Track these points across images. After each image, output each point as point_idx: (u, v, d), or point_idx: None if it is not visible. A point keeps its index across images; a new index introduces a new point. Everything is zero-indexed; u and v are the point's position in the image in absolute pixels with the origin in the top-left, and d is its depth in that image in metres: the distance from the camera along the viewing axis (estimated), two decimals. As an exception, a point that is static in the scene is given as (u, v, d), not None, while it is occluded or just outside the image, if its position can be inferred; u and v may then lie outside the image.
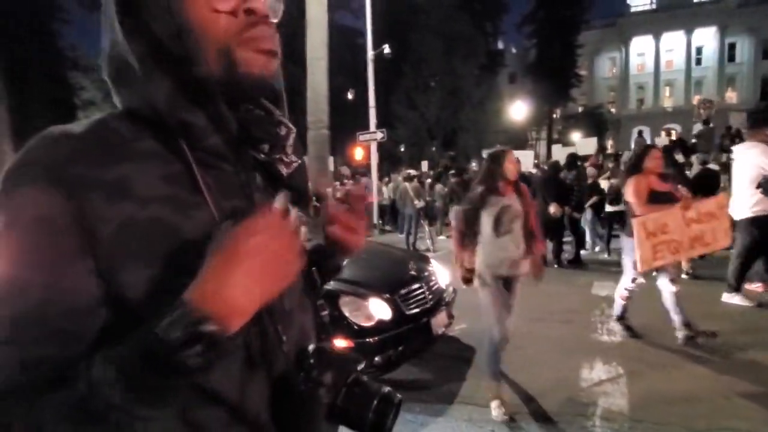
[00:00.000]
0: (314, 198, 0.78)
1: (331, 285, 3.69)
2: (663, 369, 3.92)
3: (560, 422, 3.17)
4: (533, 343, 4.39)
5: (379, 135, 14.74)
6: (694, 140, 13.31)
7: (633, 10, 47.48)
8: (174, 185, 0.64)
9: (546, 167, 10.83)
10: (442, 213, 12.55)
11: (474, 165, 14.95)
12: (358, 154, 17.97)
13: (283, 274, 0.59)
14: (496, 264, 3.28)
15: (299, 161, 0.78)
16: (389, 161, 24.11)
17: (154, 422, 0.57)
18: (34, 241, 0.58)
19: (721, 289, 5.46)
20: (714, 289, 5.53)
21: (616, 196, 8.56)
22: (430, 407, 3.45)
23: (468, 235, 3.37)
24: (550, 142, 33.47)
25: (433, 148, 29.53)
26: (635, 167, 4.25)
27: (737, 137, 11.88)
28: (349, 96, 22.81)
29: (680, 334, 4.29)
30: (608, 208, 8.65)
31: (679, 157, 7.57)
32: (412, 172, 13.54)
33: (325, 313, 0.83)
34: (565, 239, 8.42)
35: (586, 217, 8.94)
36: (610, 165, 10.82)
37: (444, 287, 4.17)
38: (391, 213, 14.69)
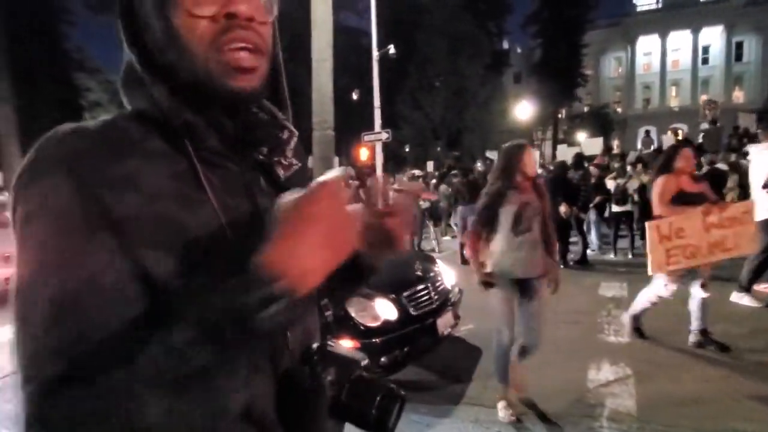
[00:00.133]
0: (357, 184, 0.75)
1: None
2: (671, 370, 3.89)
3: (567, 423, 3.15)
4: (543, 344, 4.36)
5: (384, 135, 14.75)
6: (700, 140, 13.24)
7: (639, 9, 47.28)
8: (180, 183, 0.65)
9: (552, 167, 10.78)
10: (446, 213, 12.51)
11: (479, 165, 14.87)
12: (363, 154, 17.98)
13: (344, 243, 0.60)
14: (512, 265, 3.12)
15: (299, 164, 0.78)
16: (394, 161, 24.08)
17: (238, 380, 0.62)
18: (61, 226, 0.59)
19: (730, 289, 5.42)
20: (722, 290, 5.48)
21: (622, 196, 8.53)
22: (436, 408, 3.43)
23: (485, 236, 3.18)
24: (556, 142, 33.35)
25: (438, 149, 29.50)
26: (665, 167, 4.11)
27: (745, 137, 11.82)
28: (354, 96, 22.84)
29: (693, 338, 4.25)
30: (615, 208, 8.62)
31: None
32: (416, 172, 13.53)
33: (329, 313, 0.83)
34: (570, 239, 8.39)
35: (590, 218, 8.91)
36: (616, 165, 10.77)
37: (450, 288, 4.16)
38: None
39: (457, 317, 4.13)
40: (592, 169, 9.34)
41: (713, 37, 44.29)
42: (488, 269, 3.18)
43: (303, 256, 0.56)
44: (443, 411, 3.41)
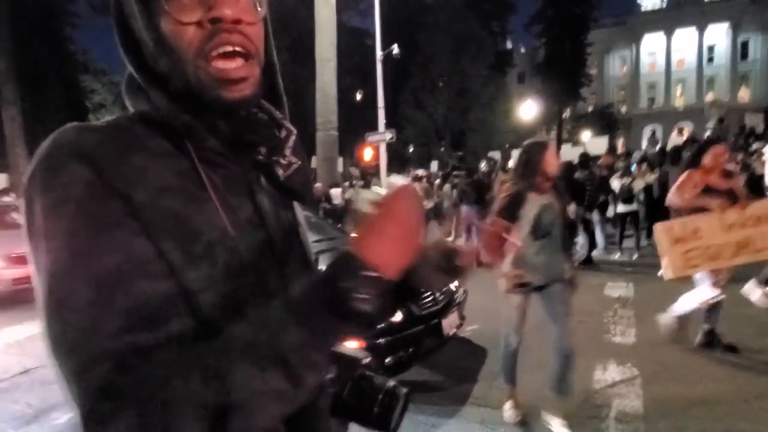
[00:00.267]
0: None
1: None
2: (678, 371, 3.87)
3: (574, 424, 3.12)
4: (546, 344, 4.34)
5: (388, 135, 14.73)
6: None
7: (643, 8, 47.13)
8: (184, 180, 0.66)
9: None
10: (450, 214, 12.50)
11: (483, 165, 14.84)
12: (367, 154, 17.97)
13: (414, 244, 0.64)
14: (531, 270, 2.96)
15: (299, 163, 0.78)
16: (397, 162, 24.09)
17: (323, 370, 0.61)
18: (87, 213, 0.59)
19: (736, 289, 5.37)
20: (732, 291, 5.44)
21: (628, 195, 8.49)
22: (442, 409, 3.42)
23: (506, 239, 2.95)
24: (560, 141, 33.26)
25: (442, 149, 29.49)
26: (692, 162, 4.00)
27: (751, 136, 11.75)
28: (358, 97, 22.85)
29: (700, 338, 4.22)
30: (620, 207, 8.58)
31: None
32: (420, 172, 13.51)
33: None
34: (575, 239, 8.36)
35: (593, 218, 8.88)
36: (620, 164, 10.74)
37: (455, 288, 4.15)
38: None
39: (462, 318, 4.12)
40: (601, 169, 9.30)
41: (718, 35, 44.10)
42: (515, 270, 2.98)
43: (386, 250, 0.60)
44: (449, 411, 3.40)
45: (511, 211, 2.96)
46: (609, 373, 3.88)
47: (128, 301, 0.57)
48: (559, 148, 28.16)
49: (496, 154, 17.71)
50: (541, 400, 3.30)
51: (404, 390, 0.72)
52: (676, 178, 6.79)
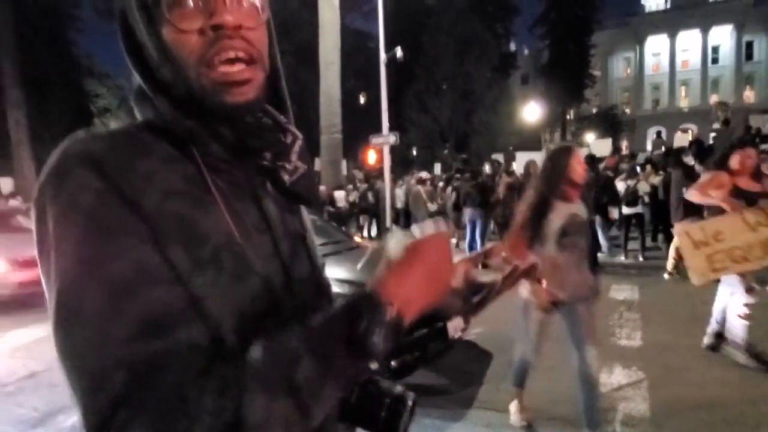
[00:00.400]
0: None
1: (345, 288, 3.65)
2: (685, 374, 3.84)
3: (580, 428, 3.11)
4: (551, 347, 4.32)
5: (392, 138, 14.71)
6: (711, 141, 13.11)
7: (647, 9, 47.03)
8: (190, 185, 0.66)
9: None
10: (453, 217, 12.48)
11: (487, 168, 14.82)
12: (371, 157, 17.98)
13: (442, 288, 0.69)
14: (557, 286, 2.74)
15: (305, 168, 0.79)
16: (401, 164, 24.10)
17: (331, 403, 0.61)
18: (98, 221, 0.59)
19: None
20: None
21: (632, 197, 8.46)
22: (448, 412, 3.41)
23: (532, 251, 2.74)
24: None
25: (446, 151, 29.48)
26: (718, 164, 3.95)
27: (757, 137, 11.69)
28: (362, 100, 22.88)
29: (708, 339, 4.21)
30: (625, 210, 8.54)
31: (689, 160, 7.38)
32: (424, 175, 13.50)
33: None
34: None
35: (596, 220, 8.84)
36: (625, 166, 10.70)
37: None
38: (404, 216, 14.66)
39: (468, 321, 4.10)
40: (605, 170, 9.27)
41: (723, 36, 43.94)
42: (550, 289, 2.76)
43: (409, 291, 0.63)
44: (455, 415, 3.39)
45: (536, 221, 2.75)
46: (615, 377, 3.86)
47: (138, 310, 0.57)
48: (563, 150, 28.11)
49: (499, 157, 17.66)
50: (552, 403, 3.29)
51: (412, 395, 0.72)
52: (678, 180, 6.79)
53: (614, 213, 7.69)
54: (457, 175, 12.85)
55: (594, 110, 42.25)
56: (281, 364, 0.56)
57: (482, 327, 4.63)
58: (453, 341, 3.90)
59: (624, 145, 37.10)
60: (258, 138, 0.72)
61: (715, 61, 44.95)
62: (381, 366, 0.72)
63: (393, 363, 3.41)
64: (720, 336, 4.15)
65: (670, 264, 7.18)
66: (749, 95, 43.44)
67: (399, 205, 14.58)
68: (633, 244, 8.73)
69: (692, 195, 3.90)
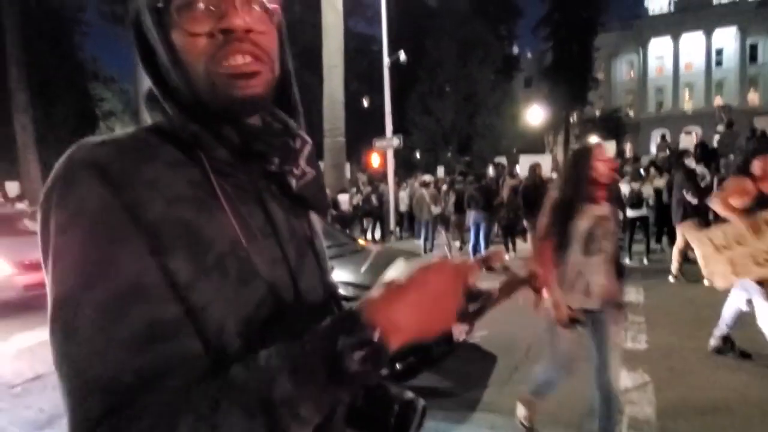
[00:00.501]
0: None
1: (349, 291, 3.63)
2: (691, 377, 3.83)
3: (583, 430, 3.10)
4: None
5: (395, 141, 14.73)
6: (715, 144, 13.07)
7: (651, 12, 46.98)
8: (196, 189, 0.66)
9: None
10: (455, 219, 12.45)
11: (491, 170, 14.81)
12: (375, 160, 18.01)
13: (441, 319, 0.64)
14: (584, 293, 2.63)
15: (314, 173, 0.78)
16: (405, 167, 24.10)
17: (314, 422, 0.58)
18: (99, 232, 0.59)
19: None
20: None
21: (637, 200, 8.44)
22: (452, 415, 3.41)
23: (557, 258, 2.62)
24: (567, 146, 33.13)
25: (449, 154, 29.44)
26: (740, 169, 3.92)
27: (761, 139, 11.64)
28: (365, 103, 22.91)
29: (714, 342, 4.19)
30: (629, 212, 8.52)
31: (690, 162, 7.35)
32: (427, 178, 13.50)
33: None
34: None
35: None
36: (628, 168, 10.68)
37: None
38: (408, 219, 14.66)
39: (471, 324, 4.10)
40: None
41: (727, 39, 43.85)
42: (572, 304, 2.64)
43: (397, 317, 0.59)
44: (459, 417, 3.38)
45: (561, 225, 2.65)
46: (620, 380, 3.83)
47: (134, 325, 0.57)
48: (566, 152, 28.08)
49: (503, 160, 17.65)
50: (556, 406, 3.28)
51: (422, 401, 0.70)
52: (679, 183, 6.77)
53: (618, 215, 7.67)
54: (459, 177, 12.85)
55: (597, 113, 42.15)
56: (259, 382, 0.55)
57: (486, 329, 4.62)
58: (457, 344, 3.87)
59: (628, 147, 36.96)
60: (263, 142, 0.72)
61: (719, 63, 44.86)
62: (365, 388, 0.68)
63: (397, 365, 3.41)
64: (727, 339, 4.13)
65: (674, 267, 7.16)
66: (753, 97, 43.31)
67: (403, 208, 14.60)
68: (637, 247, 8.70)
69: (715, 205, 3.82)
